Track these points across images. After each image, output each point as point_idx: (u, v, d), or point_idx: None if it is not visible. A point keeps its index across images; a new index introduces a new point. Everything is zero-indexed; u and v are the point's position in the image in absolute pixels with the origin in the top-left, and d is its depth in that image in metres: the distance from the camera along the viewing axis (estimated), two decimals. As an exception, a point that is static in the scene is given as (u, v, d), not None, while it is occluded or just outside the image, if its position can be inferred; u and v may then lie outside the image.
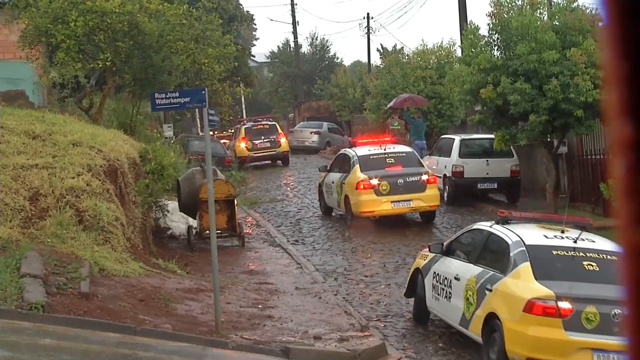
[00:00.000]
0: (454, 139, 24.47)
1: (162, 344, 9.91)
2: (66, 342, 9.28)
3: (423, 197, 19.74)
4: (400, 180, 19.69)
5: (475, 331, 10.44)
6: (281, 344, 10.47)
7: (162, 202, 18.65)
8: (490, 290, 10.11)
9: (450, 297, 11.28)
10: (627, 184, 0.87)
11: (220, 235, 16.95)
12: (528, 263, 9.82)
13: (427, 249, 12.55)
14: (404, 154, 20.89)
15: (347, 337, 11.15)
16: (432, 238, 19.46)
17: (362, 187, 19.61)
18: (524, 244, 10.11)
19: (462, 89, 21.62)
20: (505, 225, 10.85)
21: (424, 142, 27.94)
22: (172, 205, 19.13)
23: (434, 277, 11.94)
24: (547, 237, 10.37)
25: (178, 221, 19.70)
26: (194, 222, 18.58)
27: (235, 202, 18.39)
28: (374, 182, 19.61)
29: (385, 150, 20.77)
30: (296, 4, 65.46)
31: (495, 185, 23.31)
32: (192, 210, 18.17)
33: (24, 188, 13.00)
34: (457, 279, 11.11)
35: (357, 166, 20.21)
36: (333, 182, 21.37)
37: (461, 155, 23.44)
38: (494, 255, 10.80)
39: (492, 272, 10.32)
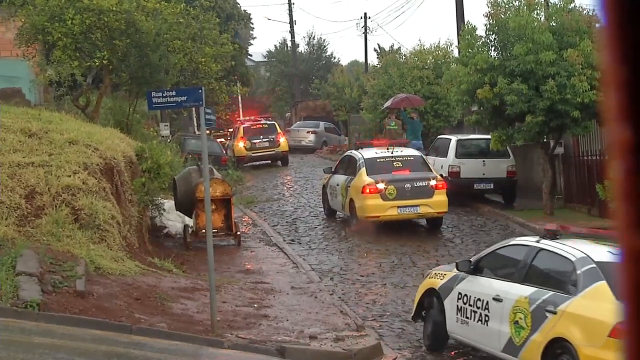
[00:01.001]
0: (450, 139, 24.47)
1: (158, 342, 9.91)
2: (61, 340, 9.27)
3: (431, 203, 19.09)
4: (408, 185, 19.05)
5: (530, 359, 9.29)
6: (277, 344, 10.47)
7: (159, 201, 18.64)
8: (554, 313, 8.96)
9: (487, 321, 10.07)
10: (625, 188, 0.87)
11: (216, 235, 16.93)
12: (604, 282, 8.66)
13: (442, 267, 11.66)
14: (411, 158, 20.22)
15: (342, 336, 11.15)
16: (427, 238, 19.48)
17: (368, 191, 18.96)
18: (593, 260, 8.97)
19: (459, 89, 21.62)
20: (555, 241, 9.70)
21: (421, 142, 27.93)
22: (169, 204, 19.12)
23: (459, 299, 10.66)
24: (613, 254, 9.03)
25: (174, 220, 19.68)
26: (190, 221, 18.56)
27: (232, 201, 18.38)
28: (381, 186, 18.97)
29: (392, 153, 20.12)
30: (293, 4, 65.49)
31: (492, 186, 23.31)
32: (188, 209, 18.16)
33: (19, 186, 12.98)
34: (497, 300, 9.89)
35: (363, 169, 19.57)
36: (338, 185, 20.71)
37: (458, 155, 23.43)
38: (549, 273, 9.74)
39: (552, 292, 9.18)
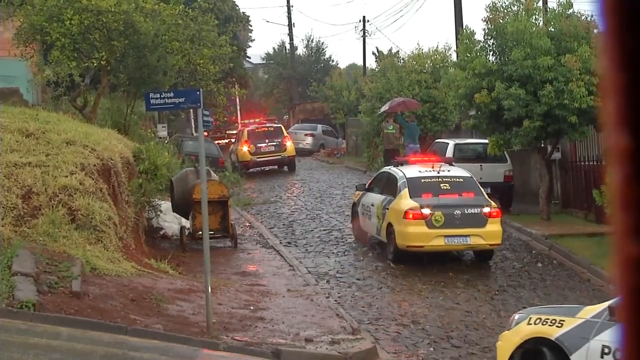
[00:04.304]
0: (448, 143, 24.52)
1: (153, 344, 9.90)
2: (57, 341, 9.26)
3: (483, 233, 16.52)
4: (457, 212, 16.51)
5: None
6: (272, 346, 10.46)
7: (155, 202, 18.64)
8: None
9: None
10: (622, 195, 0.87)
11: (213, 236, 16.93)
12: None
13: (546, 310, 9.62)
14: (461, 180, 17.53)
15: (338, 339, 11.14)
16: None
17: (410, 216, 16.42)
18: None
19: (457, 94, 21.66)
20: None
21: (418, 145, 27.99)
22: (165, 205, 19.11)
23: (606, 353, 8.05)
24: None
25: (171, 221, 19.68)
26: (186, 223, 18.57)
27: (229, 203, 18.38)
28: (426, 211, 16.41)
29: (439, 173, 17.54)
30: (292, 6, 65.66)
31: (489, 190, 23.24)
32: (185, 210, 18.16)
33: (16, 186, 12.97)
34: None
35: (406, 190, 17.00)
36: (373, 205, 18.22)
37: (455, 159, 23.45)
38: None
39: None
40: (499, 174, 23.12)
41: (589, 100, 18.91)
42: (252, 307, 12.76)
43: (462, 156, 23.78)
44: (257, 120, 36.95)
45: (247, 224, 22.25)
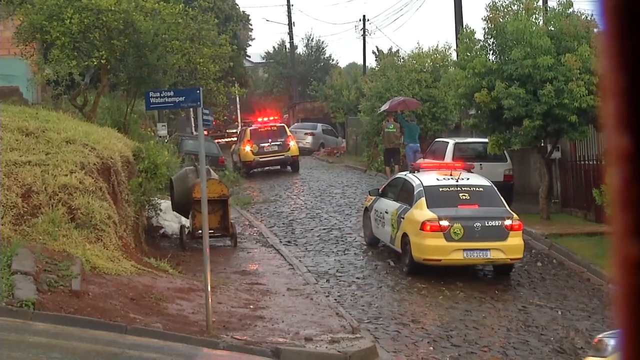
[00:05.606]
0: (448, 143, 24.53)
1: (153, 343, 9.90)
2: (56, 340, 9.26)
3: (504, 247, 15.65)
4: (477, 224, 15.63)
5: None
6: (272, 345, 10.47)
7: (155, 201, 18.64)
8: None
9: None
10: (622, 196, 0.87)
11: (213, 235, 16.93)
12: None
13: None
14: (481, 189, 16.62)
15: (338, 338, 11.15)
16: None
17: (428, 228, 15.59)
18: None
19: (457, 93, 21.67)
20: None
21: (418, 145, 28.00)
22: (165, 204, 19.11)
23: None
24: None
25: (171, 220, 19.68)
26: (186, 222, 18.57)
27: (228, 202, 18.39)
28: (445, 223, 15.54)
29: (458, 181, 16.58)
30: (292, 5, 65.52)
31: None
32: (185, 209, 18.17)
33: (16, 185, 12.97)
34: None
35: (423, 200, 16.12)
36: (387, 212, 17.40)
37: (455, 158, 23.45)
38: None
39: None
40: (498, 173, 23.11)
41: (588, 100, 18.92)
42: (251, 306, 12.77)
43: (462, 155, 23.79)
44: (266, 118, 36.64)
45: (247, 223, 22.25)
